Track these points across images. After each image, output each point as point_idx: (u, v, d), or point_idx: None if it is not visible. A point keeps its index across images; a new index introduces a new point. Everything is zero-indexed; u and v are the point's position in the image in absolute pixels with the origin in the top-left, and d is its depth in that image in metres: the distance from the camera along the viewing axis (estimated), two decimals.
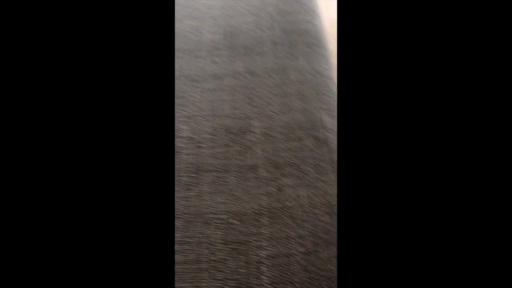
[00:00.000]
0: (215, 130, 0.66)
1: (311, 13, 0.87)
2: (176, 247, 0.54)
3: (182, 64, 0.75)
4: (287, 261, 0.52)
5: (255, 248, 0.54)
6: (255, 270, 0.52)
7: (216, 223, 0.56)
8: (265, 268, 0.52)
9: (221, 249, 0.54)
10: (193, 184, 0.60)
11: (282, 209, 0.58)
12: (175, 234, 0.55)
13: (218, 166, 0.62)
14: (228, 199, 0.59)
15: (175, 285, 0.51)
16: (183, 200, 0.58)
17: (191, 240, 0.54)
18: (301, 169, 0.61)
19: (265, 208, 0.58)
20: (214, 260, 0.53)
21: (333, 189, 0.59)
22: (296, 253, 0.53)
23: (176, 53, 0.76)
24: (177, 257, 0.53)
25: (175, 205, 0.58)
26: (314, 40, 0.79)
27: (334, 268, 0.52)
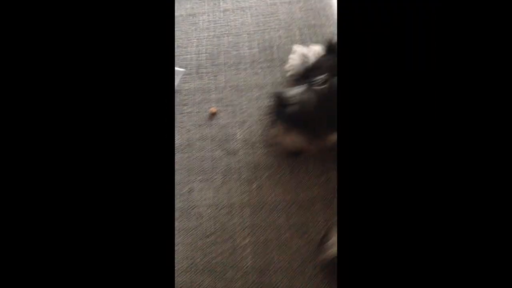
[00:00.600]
0: (267, 134, 0.75)
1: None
2: (247, 231, 0.63)
3: (226, 77, 0.85)
4: None
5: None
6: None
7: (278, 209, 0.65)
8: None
9: (287, 231, 0.63)
10: (253, 178, 0.69)
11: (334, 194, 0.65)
12: (245, 222, 0.65)
13: (268, 163, 0.71)
14: (286, 190, 0.67)
15: (250, 262, 0.60)
16: (246, 192, 0.68)
17: (260, 225, 0.64)
18: None
19: (318, 196, 0.66)
20: (282, 241, 0.62)
21: None
22: None
23: (220, 67, 0.87)
24: (248, 239, 0.62)
25: (241, 196, 0.67)
26: None
27: None
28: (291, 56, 0.81)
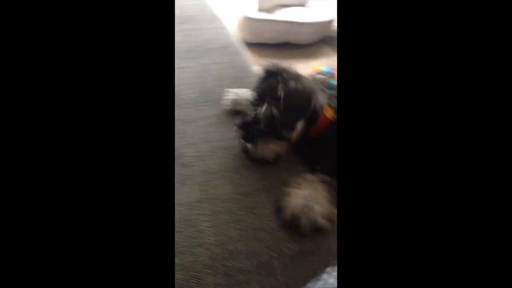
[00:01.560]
0: (213, 149, 0.93)
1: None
2: (206, 218, 0.76)
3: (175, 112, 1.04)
4: None
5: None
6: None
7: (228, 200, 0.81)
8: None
9: (239, 214, 0.78)
10: (206, 182, 0.85)
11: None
12: (204, 212, 0.78)
13: (217, 169, 0.88)
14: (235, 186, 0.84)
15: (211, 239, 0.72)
16: (203, 191, 0.83)
17: (217, 212, 0.78)
18: None
19: (261, 187, 0.84)
20: (236, 220, 0.76)
21: None
22: None
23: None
24: (208, 224, 0.75)
25: (199, 195, 0.81)
26: None
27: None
28: (226, 95, 1.05)
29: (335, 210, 0.77)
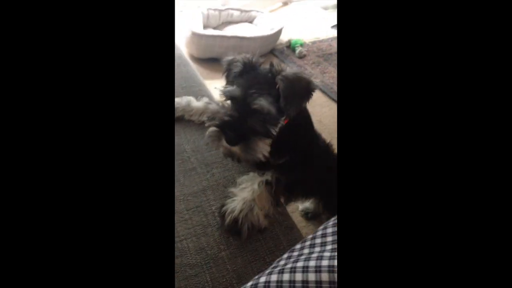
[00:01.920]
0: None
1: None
2: None
3: None
4: None
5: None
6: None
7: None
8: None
9: (187, 213, 0.79)
10: None
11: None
12: None
13: None
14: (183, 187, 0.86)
15: None
16: None
17: None
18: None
19: (207, 186, 0.86)
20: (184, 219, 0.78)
21: None
22: None
23: None
24: None
25: None
26: None
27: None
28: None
29: (275, 208, 0.81)
